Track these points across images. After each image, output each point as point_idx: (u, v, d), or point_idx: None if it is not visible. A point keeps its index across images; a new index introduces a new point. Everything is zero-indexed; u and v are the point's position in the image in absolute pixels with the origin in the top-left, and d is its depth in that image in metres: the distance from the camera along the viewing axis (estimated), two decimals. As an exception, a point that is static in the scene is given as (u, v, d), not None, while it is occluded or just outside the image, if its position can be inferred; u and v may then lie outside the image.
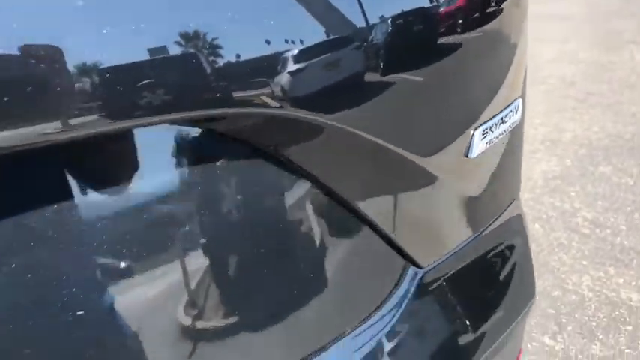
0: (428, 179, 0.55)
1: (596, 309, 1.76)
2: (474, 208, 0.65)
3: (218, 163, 0.41)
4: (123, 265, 0.38)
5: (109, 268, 0.38)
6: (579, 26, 5.03)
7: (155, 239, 0.39)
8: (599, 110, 3.23)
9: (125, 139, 0.36)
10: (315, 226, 0.48)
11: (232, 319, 0.44)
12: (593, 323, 1.70)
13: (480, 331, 0.63)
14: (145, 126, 0.34)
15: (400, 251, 0.56)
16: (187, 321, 0.42)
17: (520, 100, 0.66)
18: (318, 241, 0.48)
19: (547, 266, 1.95)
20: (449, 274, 0.63)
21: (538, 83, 3.72)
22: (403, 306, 0.56)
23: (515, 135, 0.68)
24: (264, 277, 0.45)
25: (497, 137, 0.60)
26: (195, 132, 0.40)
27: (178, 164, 0.40)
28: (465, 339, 0.61)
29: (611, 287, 1.84)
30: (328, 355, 0.49)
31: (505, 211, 0.72)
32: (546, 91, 3.59)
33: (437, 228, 0.61)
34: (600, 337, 1.65)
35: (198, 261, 0.41)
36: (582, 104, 3.35)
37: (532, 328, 1.69)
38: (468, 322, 0.62)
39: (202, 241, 0.41)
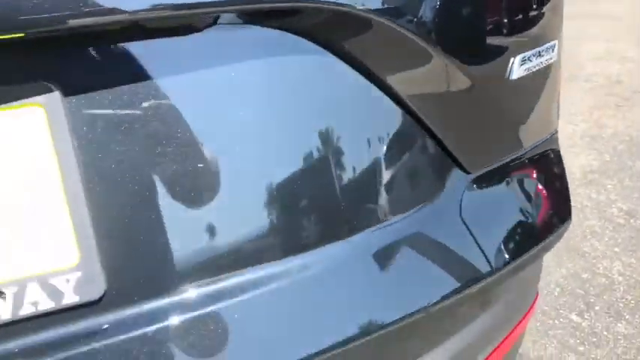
0: (478, 92, 0.64)
1: (625, 292, 1.83)
2: (516, 128, 0.74)
3: (284, 61, 0.50)
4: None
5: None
6: (627, 25, 4.98)
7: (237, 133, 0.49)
8: (642, 108, 3.24)
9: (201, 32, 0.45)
10: (375, 125, 0.58)
11: (310, 195, 0.53)
12: (621, 304, 1.78)
13: (513, 242, 0.69)
14: (220, 12, 0.43)
15: (451, 156, 0.65)
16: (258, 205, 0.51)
17: (557, 41, 0.76)
18: (376, 137, 0.57)
19: (578, 251, 2.03)
20: (492, 185, 0.71)
21: (582, 81, 3.74)
22: (449, 206, 0.65)
23: (552, 72, 0.77)
24: (332, 163, 0.54)
25: (534, 67, 0.70)
26: (268, 32, 0.48)
27: (252, 65, 0.48)
28: (495, 248, 0.68)
29: (641, 273, 1.91)
30: (371, 237, 0.58)
31: (545, 140, 0.80)
32: (590, 89, 3.61)
33: (484, 139, 0.70)
34: (627, 317, 1.72)
35: (276, 150, 0.51)
36: (627, 102, 3.36)
37: (560, 306, 1.78)
38: (502, 233, 0.69)
39: (276, 133, 0.51)
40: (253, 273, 0.49)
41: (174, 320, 0.46)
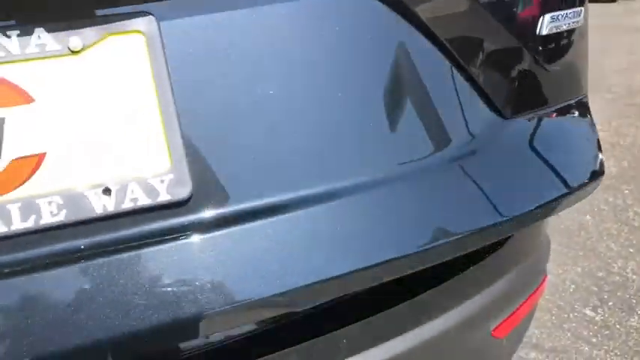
0: (513, 44, 0.73)
1: (638, 289, 1.91)
2: (548, 83, 0.80)
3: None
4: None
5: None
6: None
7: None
8: (662, 117, 3.31)
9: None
10: (419, 69, 0.64)
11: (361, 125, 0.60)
12: (634, 301, 1.86)
13: (542, 188, 0.74)
14: None
15: (488, 101, 0.70)
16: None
17: (583, 9, 0.83)
18: (420, 79, 0.64)
19: (594, 251, 2.12)
20: (525, 132, 0.76)
21: (604, 91, 3.81)
22: (485, 148, 0.69)
23: (578, 36, 0.84)
24: (380, 103, 0.61)
25: (562, 26, 0.78)
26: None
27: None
28: (525, 191, 0.72)
29: (654, 272, 1.99)
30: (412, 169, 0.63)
31: (576, 101, 0.87)
32: (611, 99, 3.68)
33: (519, 89, 0.75)
34: (639, 312, 1.81)
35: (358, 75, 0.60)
36: (646, 111, 3.43)
37: (575, 301, 1.87)
38: (532, 177, 0.74)
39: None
40: (324, 185, 0.57)
41: (248, 224, 0.53)
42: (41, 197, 0.45)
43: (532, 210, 0.70)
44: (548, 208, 0.72)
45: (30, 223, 0.45)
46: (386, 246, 0.58)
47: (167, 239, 0.49)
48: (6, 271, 0.44)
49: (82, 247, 0.47)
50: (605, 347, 1.68)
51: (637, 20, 5.65)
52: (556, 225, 2.25)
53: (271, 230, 0.53)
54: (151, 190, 0.48)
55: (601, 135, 2.82)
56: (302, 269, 0.54)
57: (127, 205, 0.48)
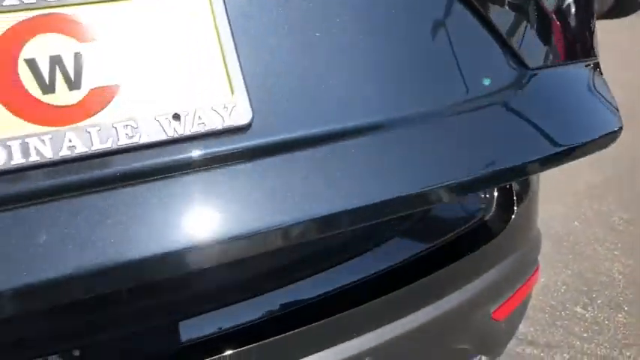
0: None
1: (624, 288, 2.04)
2: (572, 40, 0.87)
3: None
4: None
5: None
6: (621, 51, 5.24)
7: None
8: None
9: None
10: (444, 20, 0.68)
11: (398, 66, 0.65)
12: (621, 298, 1.98)
13: (561, 136, 0.77)
14: None
15: (512, 52, 0.73)
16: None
17: None
18: (449, 28, 0.68)
19: (582, 255, 2.24)
20: (549, 82, 0.79)
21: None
22: (507, 97, 0.72)
23: (585, 4, 0.88)
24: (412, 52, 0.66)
25: None
26: None
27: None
28: (544, 138, 0.75)
29: (639, 272, 2.12)
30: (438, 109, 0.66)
31: (593, 61, 0.90)
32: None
33: (543, 41, 0.80)
34: (626, 308, 1.93)
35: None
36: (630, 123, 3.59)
37: (566, 301, 1.99)
38: (552, 125, 0.76)
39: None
40: (370, 118, 0.61)
41: (301, 150, 0.57)
42: (118, 122, 0.49)
43: (553, 154, 0.74)
44: (568, 153, 0.77)
45: (108, 144, 0.49)
46: (423, 176, 0.64)
47: (229, 161, 0.54)
48: (88, 186, 0.49)
49: (154, 166, 0.51)
50: (595, 341, 1.80)
51: (617, 38, 5.87)
52: (546, 231, 2.37)
53: (321, 156, 0.58)
54: (215, 117, 0.53)
55: (585, 146, 2.91)
56: (349, 194, 0.58)
57: (195, 129, 0.52)
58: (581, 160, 2.70)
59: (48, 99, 0.47)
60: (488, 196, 1.04)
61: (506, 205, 1.04)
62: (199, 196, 0.53)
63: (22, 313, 0.47)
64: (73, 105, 0.48)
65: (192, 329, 0.75)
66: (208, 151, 0.53)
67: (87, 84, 0.49)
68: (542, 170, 0.76)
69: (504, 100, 0.71)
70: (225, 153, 0.54)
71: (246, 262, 0.83)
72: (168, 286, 0.76)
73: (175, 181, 0.51)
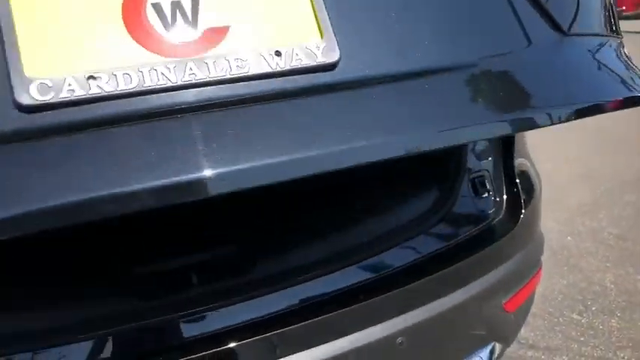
0: None
1: (616, 296, 2.18)
2: (598, 15, 0.92)
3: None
4: None
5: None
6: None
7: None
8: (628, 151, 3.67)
9: None
10: None
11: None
12: (613, 305, 2.13)
13: (589, 97, 0.82)
14: None
15: (551, 17, 0.79)
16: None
17: None
18: None
19: (576, 267, 2.39)
20: (583, 48, 0.85)
21: (577, 130, 4.19)
22: (540, 60, 0.78)
23: None
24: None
25: None
26: None
27: None
28: (578, 92, 0.81)
29: (630, 282, 2.26)
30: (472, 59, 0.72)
31: (618, 38, 0.95)
32: (584, 137, 4.05)
33: (579, 10, 0.85)
34: (619, 314, 2.07)
35: None
36: (614, 149, 3.80)
37: (563, 308, 2.12)
38: (583, 86, 0.82)
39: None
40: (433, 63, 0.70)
41: (383, 85, 0.65)
42: (229, 56, 0.58)
43: (585, 106, 0.80)
44: (597, 107, 0.82)
45: (222, 73, 0.57)
46: (486, 112, 0.72)
47: (319, 92, 0.62)
48: (206, 106, 0.57)
49: (259, 94, 0.60)
50: (592, 344, 1.93)
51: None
52: (542, 245, 2.52)
53: (399, 91, 0.67)
54: (309, 54, 0.62)
55: (576, 168, 3.17)
56: (426, 123, 0.68)
57: (293, 64, 0.61)
58: (572, 179, 2.91)
59: (171, 36, 0.57)
60: (499, 199, 1.18)
61: (514, 207, 1.18)
62: (294, 119, 0.61)
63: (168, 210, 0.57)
64: (191, 41, 0.58)
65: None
66: (304, 83, 0.61)
67: (202, 24, 0.58)
68: (573, 118, 0.80)
69: (546, 56, 0.79)
70: (318, 85, 0.62)
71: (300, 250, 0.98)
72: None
73: (276, 106, 0.61)
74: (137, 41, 0.56)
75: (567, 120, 0.77)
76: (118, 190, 0.52)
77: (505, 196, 1.19)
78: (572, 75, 0.80)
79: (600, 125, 4.24)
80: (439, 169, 1.17)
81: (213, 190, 0.55)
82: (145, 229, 1.08)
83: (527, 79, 0.76)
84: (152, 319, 0.89)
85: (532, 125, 0.75)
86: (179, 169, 0.53)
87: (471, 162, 1.17)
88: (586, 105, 0.80)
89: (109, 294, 0.96)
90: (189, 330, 0.90)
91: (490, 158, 1.18)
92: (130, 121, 0.55)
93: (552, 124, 0.75)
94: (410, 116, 0.66)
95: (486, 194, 1.16)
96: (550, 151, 3.53)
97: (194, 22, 0.58)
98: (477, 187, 1.17)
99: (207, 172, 0.54)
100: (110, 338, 0.85)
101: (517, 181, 1.20)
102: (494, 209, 1.18)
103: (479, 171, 1.16)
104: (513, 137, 1.20)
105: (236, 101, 0.58)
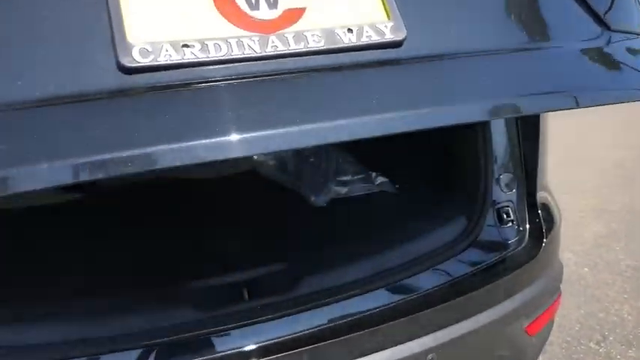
0: None
1: (634, 327, 2.23)
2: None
3: None
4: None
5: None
6: (624, 111, 5.57)
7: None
8: (645, 186, 3.73)
9: None
10: None
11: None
12: (631, 336, 2.18)
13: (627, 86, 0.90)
14: None
15: (591, 11, 0.85)
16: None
17: None
18: None
19: (594, 297, 2.45)
20: (624, 42, 0.90)
21: (593, 163, 4.26)
22: (595, 44, 0.85)
23: None
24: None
25: None
26: None
27: None
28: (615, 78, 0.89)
29: (647, 313, 2.32)
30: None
31: None
32: (600, 171, 4.12)
33: (623, 13, 0.91)
34: (636, 344, 2.12)
35: None
36: (631, 182, 3.86)
37: (581, 337, 2.18)
38: (625, 75, 0.90)
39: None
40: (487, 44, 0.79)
41: (443, 60, 0.74)
42: (306, 31, 0.66)
43: (622, 92, 0.89)
44: (631, 95, 0.90)
45: (301, 47, 0.65)
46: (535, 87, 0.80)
47: (386, 66, 0.70)
48: (286, 73, 0.65)
49: (334, 65, 0.67)
50: (609, 373, 1.99)
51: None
52: (559, 275, 2.59)
53: (460, 67, 0.76)
54: (378, 31, 0.69)
55: (592, 202, 3.24)
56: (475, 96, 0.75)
57: (363, 40, 0.68)
58: (588, 212, 3.00)
59: (255, 14, 0.65)
60: (522, 228, 1.28)
61: (537, 236, 1.28)
62: (365, 87, 0.69)
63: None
64: (273, 19, 0.66)
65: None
66: (373, 57, 0.70)
67: (282, 5, 0.66)
68: (612, 102, 0.88)
69: (594, 46, 0.87)
70: (386, 59, 0.70)
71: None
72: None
73: (350, 76, 0.69)
74: (225, 17, 0.64)
75: (606, 103, 0.86)
76: (210, 140, 0.58)
77: (528, 225, 1.29)
78: (614, 64, 0.88)
79: (617, 161, 4.31)
80: (470, 199, 1.27)
81: (323, 139, 0.65)
82: (197, 245, 1.20)
83: (576, 64, 0.84)
84: (202, 331, 0.99)
85: (577, 103, 0.82)
86: (270, 122, 0.62)
87: (497, 194, 1.27)
88: (623, 91, 0.88)
89: (167, 306, 1.07)
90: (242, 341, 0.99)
91: (514, 190, 1.28)
92: (219, 84, 0.62)
93: (594, 105, 0.85)
94: (466, 89, 0.74)
95: (511, 224, 1.26)
96: (567, 185, 3.60)
97: (275, 2, 0.66)
98: (502, 216, 1.26)
99: (306, 126, 0.62)
100: (158, 348, 0.95)
101: (539, 212, 1.30)
102: (518, 237, 1.27)
103: (505, 202, 1.26)
104: (536, 171, 1.30)
105: (311, 70, 0.66)
